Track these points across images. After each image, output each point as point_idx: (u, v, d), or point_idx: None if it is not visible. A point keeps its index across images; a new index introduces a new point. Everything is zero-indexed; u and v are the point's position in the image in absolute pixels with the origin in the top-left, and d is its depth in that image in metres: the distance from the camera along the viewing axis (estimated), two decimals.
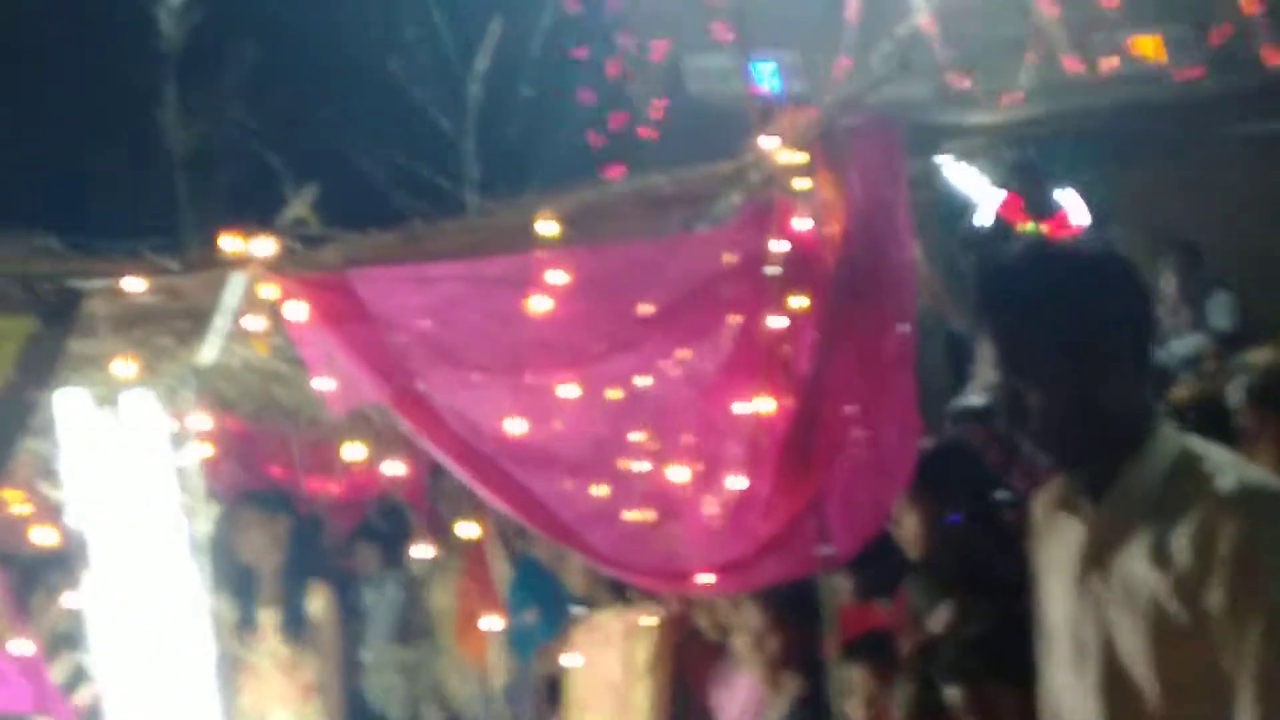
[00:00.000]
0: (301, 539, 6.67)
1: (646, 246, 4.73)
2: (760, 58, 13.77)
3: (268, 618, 6.34)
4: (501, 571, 6.45)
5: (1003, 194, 10.86)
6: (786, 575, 4.70)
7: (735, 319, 4.78)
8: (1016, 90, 10.33)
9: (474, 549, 6.40)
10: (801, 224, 4.81)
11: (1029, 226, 10.48)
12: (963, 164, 11.79)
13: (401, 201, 11.17)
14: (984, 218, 10.81)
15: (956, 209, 11.29)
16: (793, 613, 5.00)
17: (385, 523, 7.36)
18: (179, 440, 5.32)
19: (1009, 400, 2.76)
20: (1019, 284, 2.82)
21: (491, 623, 6.34)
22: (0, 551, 5.65)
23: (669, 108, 12.61)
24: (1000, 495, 5.17)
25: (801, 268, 4.74)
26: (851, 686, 4.62)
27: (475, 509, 6.16)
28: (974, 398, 6.57)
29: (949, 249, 10.05)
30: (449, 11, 11.74)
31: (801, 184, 4.87)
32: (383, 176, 10.90)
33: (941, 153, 11.62)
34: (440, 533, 6.74)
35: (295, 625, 6.37)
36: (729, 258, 4.77)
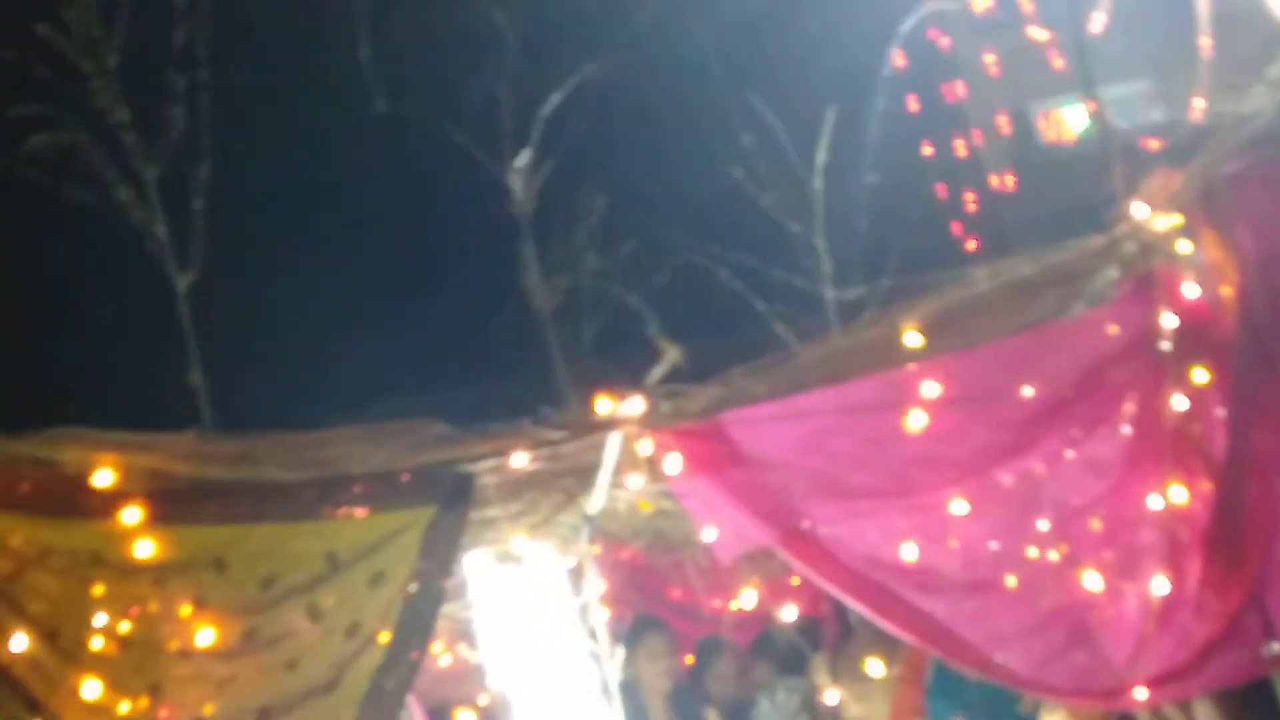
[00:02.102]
0: (697, 663, 6.66)
1: (1020, 341, 4.45)
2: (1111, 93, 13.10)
3: None
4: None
5: None
6: (1231, 680, 4.26)
7: (1131, 403, 4.43)
8: None
9: (907, 658, 6.11)
10: (1190, 291, 4.44)
11: None
12: None
13: (762, 308, 11.17)
14: None
15: None
16: (1248, 711, 4.52)
17: (790, 635, 7.21)
18: (578, 579, 5.40)
19: None
20: None
21: None
22: (432, 707, 5.89)
23: (1021, 161, 12.09)
24: None
25: (1198, 339, 4.36)
26: None
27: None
28: None
29: None
30: (783, 112, 11.81)
31: (1184, 248, 4.51)
32: (741, 286, 10.98)
33: None
34: (850, 645, 6.53)
35: None
36: (1115, 338, 4.43)
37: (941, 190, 11.98)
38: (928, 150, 11.88)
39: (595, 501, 5.02)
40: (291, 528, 4.00)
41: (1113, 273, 4.63)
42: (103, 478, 3.87)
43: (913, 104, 11.79)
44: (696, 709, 6.50)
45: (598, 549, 5.63)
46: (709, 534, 4.34)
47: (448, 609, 5.65)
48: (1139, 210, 4.52)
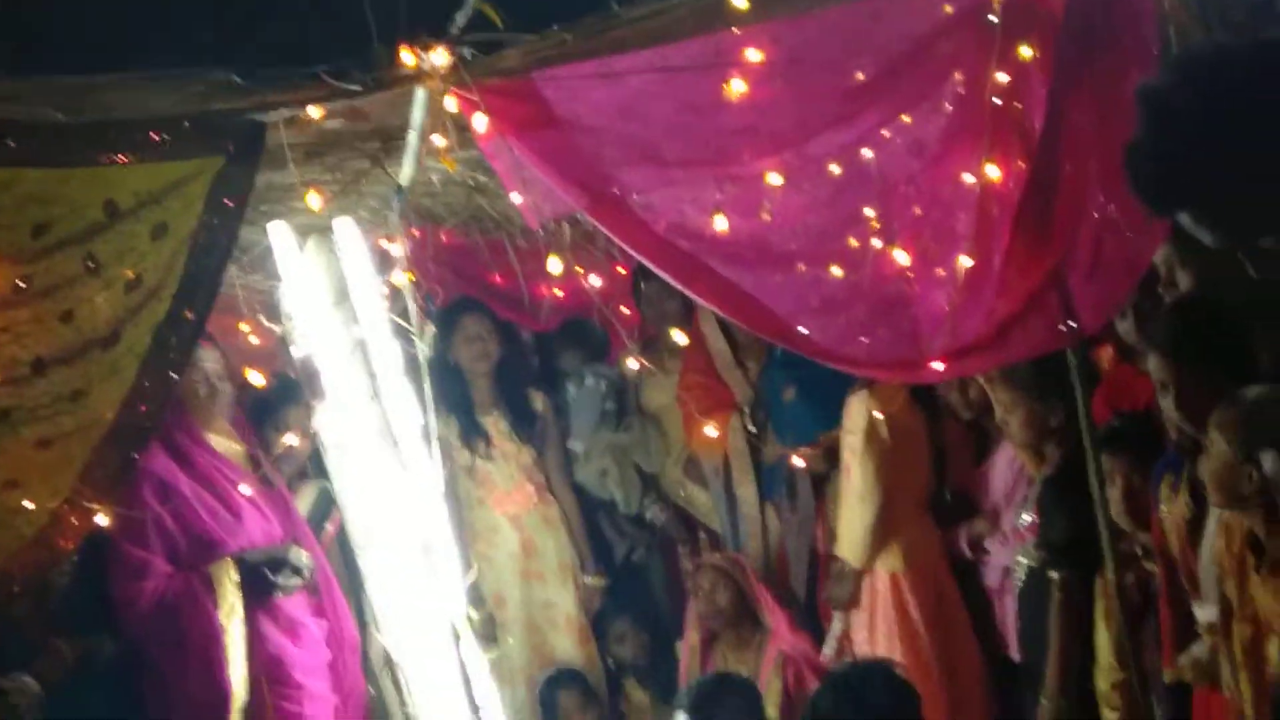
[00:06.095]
0: (510, 342, 6.59)
1: (849, 10, 4.29)
2: None
3: (494, 423, 6.34)
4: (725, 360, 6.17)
5: None
6: (1028, 354, 4.38)
7: (957, 78, 4.34)
8: None
9: (691, 347, 6.14)
10: None
11: None
12: None
13: None
14: None
15: None
16: (1048, 384, 4.67)
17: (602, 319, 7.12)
18: (389, 260, 5.23)
19: None
20: None
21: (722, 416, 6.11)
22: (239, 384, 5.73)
23: None
24: None
25: (1026, 13, 4.25)
26: (1111, 476, 4.30)
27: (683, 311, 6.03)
28: None
29: None
30: None
31: None
32: None
33: None
34: (647, 334, 6.53)
35: (522, 426, 6.35)
36: (945, 10, 4.30)
37: None
38: None
39: (405, 168, 4.80)
40: (65, 173, 3.69)
41: None
42: None
43: None
44: (518, 386, 6.47)
45: (414, 231, 5.43)
46: (517, 198, 4.19)
47: (251, 280, 5.44)
48: None
